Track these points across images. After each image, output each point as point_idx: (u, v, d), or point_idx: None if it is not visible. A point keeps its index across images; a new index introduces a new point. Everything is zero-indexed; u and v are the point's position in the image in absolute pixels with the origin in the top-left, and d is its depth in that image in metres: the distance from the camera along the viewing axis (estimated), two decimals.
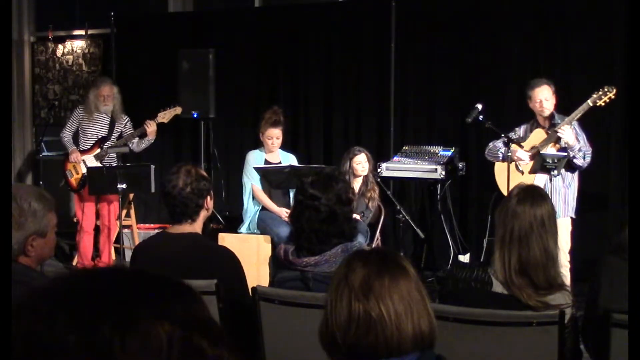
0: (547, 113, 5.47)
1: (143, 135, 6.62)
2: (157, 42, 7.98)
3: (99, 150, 6.67)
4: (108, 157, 6.69)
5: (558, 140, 5.39)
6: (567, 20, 6.57)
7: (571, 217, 5.51)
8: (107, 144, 6.68)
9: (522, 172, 5.55)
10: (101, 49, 8.68)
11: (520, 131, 5.67)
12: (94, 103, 6.69)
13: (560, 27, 6.60)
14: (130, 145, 6.68)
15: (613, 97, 5.35)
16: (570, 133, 5.28)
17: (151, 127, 6.53)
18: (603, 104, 5.37)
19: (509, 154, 5.54)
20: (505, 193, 5.64)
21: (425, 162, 6.28)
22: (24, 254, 2.32)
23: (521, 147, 5.47)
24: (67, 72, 8.93)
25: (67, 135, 6.79)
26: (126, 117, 6.85)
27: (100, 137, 6.69)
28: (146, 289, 0.80)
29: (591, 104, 5.34)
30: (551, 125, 5.50)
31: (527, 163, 5.53)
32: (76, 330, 0.72)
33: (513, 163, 5.57)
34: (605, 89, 5.35)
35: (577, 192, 5.54)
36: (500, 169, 5.68)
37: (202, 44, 7.38)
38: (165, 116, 6.64)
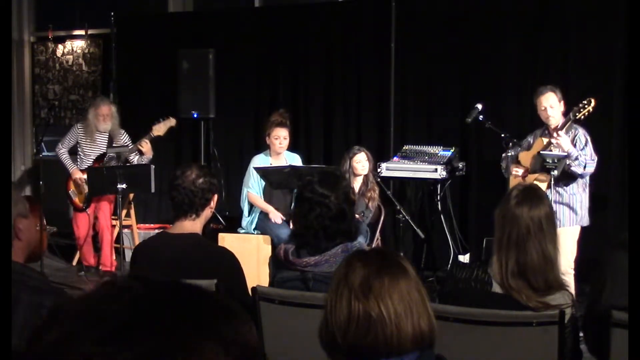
0: (552, 121, 5.35)
1: (140, 153, 6.61)
2: (157, 42, 7.98)
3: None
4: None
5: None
6: (567, 20, 6.56)
7: (581, 226, 5.42)
8: (106, 158, 6.72)
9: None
10: (101, 49, 8.68)
11: (530, 139, 5.59)
12: (93, 123, 6.73)
13: (560, 27, 6.58)
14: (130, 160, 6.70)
15: (591, 109, 5.25)
16: (566, 140, 5.22)
17: (146, 147, 6.53)
18: (582, 117, 5.27)
19: (511, 166, 5.52)
20: None
21: (425, 162, 6.28)
22: (16, 237, 2.32)
23: (524, 148, 5.39)
24: (67, 72, 8.93)
25: (63, 152, 6.81)
26: (123, 131, 6.90)
27: (99, 155, 6.75)
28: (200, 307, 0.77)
29: (572, 118, 5.27)
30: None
31: (525, 176, 5.45)
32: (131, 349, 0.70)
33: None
34: (584, 102, 5.25)
35: (589, 201, 5.45)
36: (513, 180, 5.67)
37: (202, 44, 7.37)
38: (160, 129, 6.59)
